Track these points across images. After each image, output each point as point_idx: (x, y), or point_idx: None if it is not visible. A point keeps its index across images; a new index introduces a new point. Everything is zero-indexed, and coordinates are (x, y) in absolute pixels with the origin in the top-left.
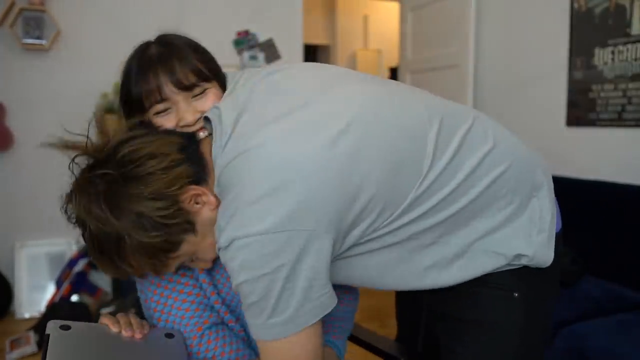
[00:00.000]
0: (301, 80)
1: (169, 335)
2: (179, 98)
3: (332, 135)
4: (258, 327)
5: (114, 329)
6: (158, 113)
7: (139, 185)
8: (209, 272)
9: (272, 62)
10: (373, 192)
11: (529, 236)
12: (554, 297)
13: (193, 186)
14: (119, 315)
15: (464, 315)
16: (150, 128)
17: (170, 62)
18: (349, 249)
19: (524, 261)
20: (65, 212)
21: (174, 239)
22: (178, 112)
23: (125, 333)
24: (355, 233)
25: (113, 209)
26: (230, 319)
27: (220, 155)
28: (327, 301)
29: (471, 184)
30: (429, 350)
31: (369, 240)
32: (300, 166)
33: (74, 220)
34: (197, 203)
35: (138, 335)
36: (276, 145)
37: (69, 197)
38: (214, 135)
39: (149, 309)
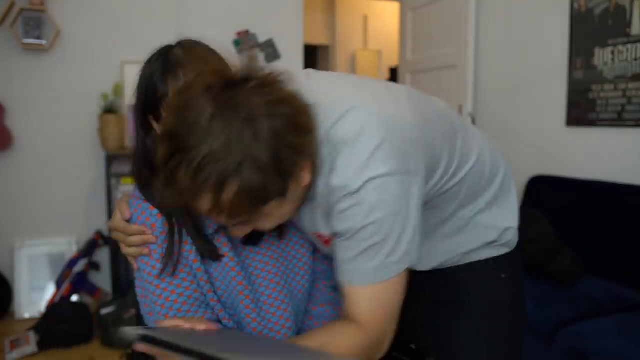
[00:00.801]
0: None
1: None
2: None
3: (407, 102)
4: (370, 270)
5: (187, 325)
6: None
7: (300, 136)
8: (207, 269)
9: (272, 62)
10: (439, 153)
11: (512, 212)
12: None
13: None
14: (176, 319)
15: (457, 298)
16: None
17: (199, 63)
18: None
19: (509, 235)
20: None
21: (273, 195)
22: None
23: (200, 327)
24: (427, 189)
25: (260, 138)
26: (225, 317)
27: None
28: (420, 241)
29: (480, 166)
30: (416, 337)
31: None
32: (401, 120)
33: (180, 126)
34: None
35: (213, 327)
36: (372, 105)
37: (193, 106)
38: None
39: (150, 303)
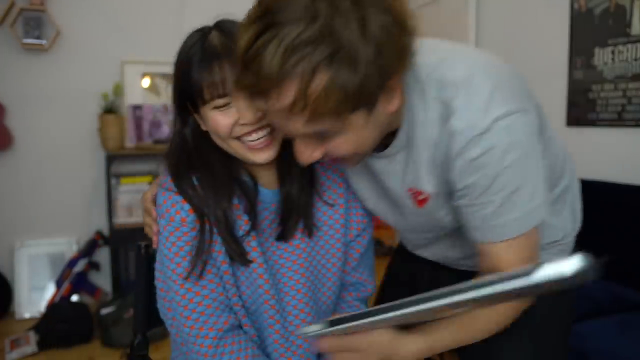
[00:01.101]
0: None
1: None
2: (240, 95)
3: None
4: (516, 220)
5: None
6: (217, 107)
7: (405, 37)
8: (234, 272)
9: None
10: (534, 103)
11: (576, 215)
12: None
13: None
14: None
15: None
16: None
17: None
18: None
19: (570, 237)
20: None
21: (363, 102)
22: (238, 109)
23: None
24: None
25: (367, 28)
26: (247, 323)
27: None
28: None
29: (554, 148)
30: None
31: None
32: (502, 65)
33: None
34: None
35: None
36: (470, 50)
37: None
38: None
39: (170, 300)
